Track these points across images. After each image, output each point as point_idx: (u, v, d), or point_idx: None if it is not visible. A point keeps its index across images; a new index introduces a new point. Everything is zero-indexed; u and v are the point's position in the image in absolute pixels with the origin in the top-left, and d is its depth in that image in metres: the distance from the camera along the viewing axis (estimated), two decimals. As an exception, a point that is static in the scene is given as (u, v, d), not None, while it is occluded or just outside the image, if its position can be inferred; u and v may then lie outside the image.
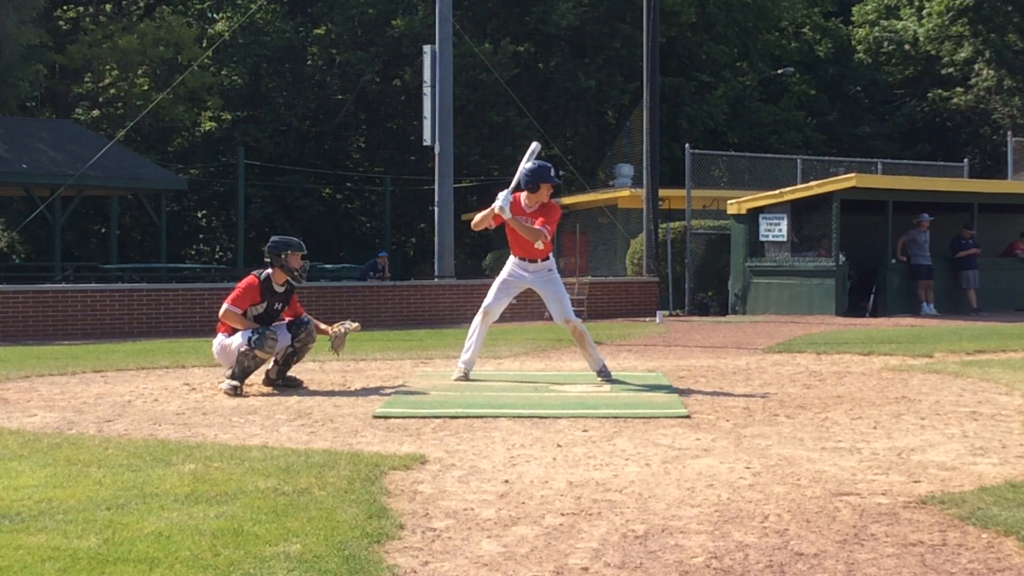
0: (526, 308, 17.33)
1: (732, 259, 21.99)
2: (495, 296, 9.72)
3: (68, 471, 5.69)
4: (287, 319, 9.30)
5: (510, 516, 4.85)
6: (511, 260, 9.76)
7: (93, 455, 6.14)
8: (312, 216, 37.78)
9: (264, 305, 9.14)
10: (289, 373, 9.43)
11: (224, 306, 9.17)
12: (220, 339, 9.22)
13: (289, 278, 9.18)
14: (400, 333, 16.96)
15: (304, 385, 9.41)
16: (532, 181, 9.44)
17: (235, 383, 8.95)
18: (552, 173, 9.54)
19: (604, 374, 9.65)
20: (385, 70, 37.69)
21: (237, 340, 9.01)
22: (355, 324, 9.65)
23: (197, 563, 4.06)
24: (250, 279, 9.21)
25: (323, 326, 9.50)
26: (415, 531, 4.59)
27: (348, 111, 39.15)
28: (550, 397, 8.78)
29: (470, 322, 9.86)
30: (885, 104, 44.68)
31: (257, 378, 9.37)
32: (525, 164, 9.53)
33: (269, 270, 9.20)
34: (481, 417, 7.61)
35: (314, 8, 39.07)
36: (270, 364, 9.31)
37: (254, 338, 8.88)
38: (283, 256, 9.15)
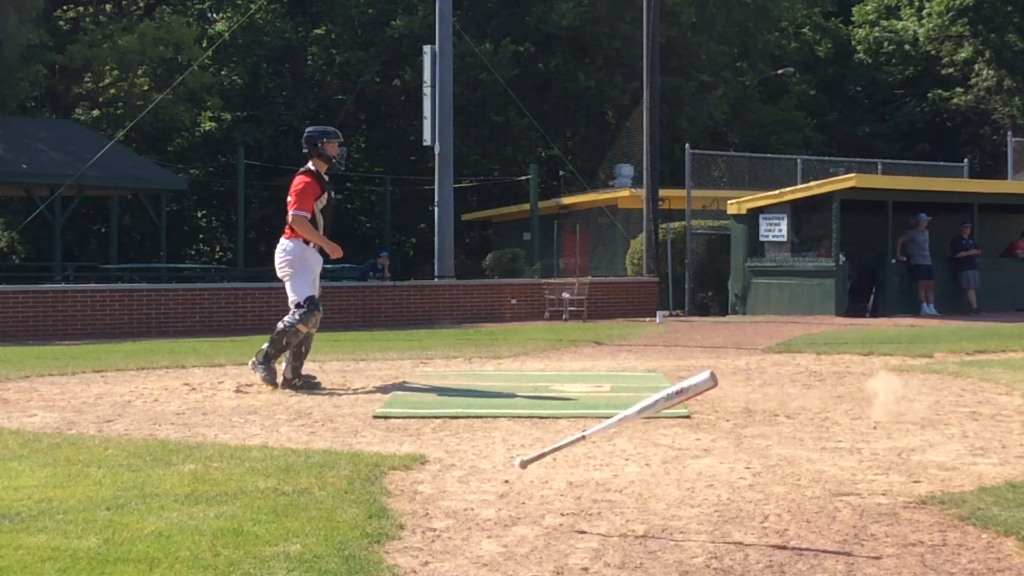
0: (526, 307, 17.33)
1: (732, 259, 21.98)
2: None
3: (68, 471, 5.69)
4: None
5: (510, 516, 4.85)
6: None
7: (93, 455, 6.13)
8: (312, 216, 37.73)
9: (325, 196, 9.06)
10: (304, 373, 9.32)
11: (291, 212, 8.92)
12: (291, 245, 9.02)
13: (328, 166, 9.13)
14: (400, 333, 16.95)
15: (323, 385, 9.29)
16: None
17: (270, 368, 8.96)
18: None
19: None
20: (385, 70, 37.68)
21: (300, 277, 8.90)
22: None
23: (197, 563, 4.06)
24: (303, 176, 9.06)
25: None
26: (415, 531, 4.59)
27: (348, 111, 39.12)
28: (550, 397, 8.78)
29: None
30: (885, 104, 44.69)
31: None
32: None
33: (310, 164, 9.10)
34: (481, 417, 7.61)
35: (314, 8, 39.06)
36: (283, 366, 9.27)
37: (302, 311, 8.87)
38: (320, 144, 9.08)
